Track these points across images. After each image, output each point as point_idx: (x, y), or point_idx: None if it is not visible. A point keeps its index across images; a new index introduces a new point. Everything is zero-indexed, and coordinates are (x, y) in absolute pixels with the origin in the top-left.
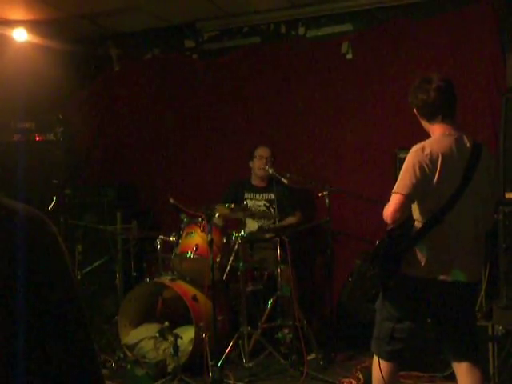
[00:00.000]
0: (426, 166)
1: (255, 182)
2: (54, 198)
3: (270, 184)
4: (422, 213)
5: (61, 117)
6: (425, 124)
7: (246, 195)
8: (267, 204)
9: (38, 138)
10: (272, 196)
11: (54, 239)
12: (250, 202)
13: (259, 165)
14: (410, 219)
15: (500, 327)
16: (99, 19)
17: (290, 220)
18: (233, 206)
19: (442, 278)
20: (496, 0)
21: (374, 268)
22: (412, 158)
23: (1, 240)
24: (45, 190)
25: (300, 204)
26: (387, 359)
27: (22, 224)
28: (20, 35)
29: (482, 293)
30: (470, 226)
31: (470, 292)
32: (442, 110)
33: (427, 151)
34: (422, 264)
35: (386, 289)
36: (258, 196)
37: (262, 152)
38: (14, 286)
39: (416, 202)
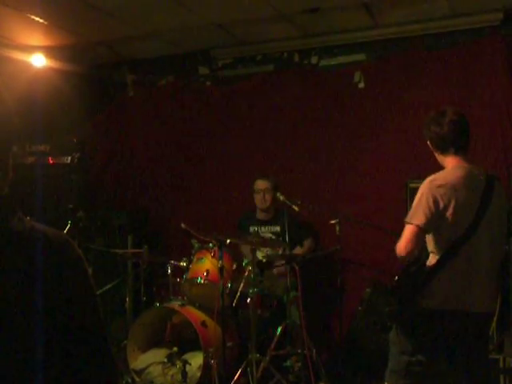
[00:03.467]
0: (439, 197)
1: (260, 215)
2: (69, 222)
3: (276, 216)
4: (437, 245)
5: (75, 140)
6: (438, 156)
7: (251, 229)
8: (273, 237)
9: (51, 161)
10: (278, 229)
11: (80, 262)
12: None
13: (258, 198)
14: (423, 253)
15: None
16: (115, 46)
17: (298, 251)
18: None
19: (457, 309)
20: (507, 33)
21: (391, 305)
22: (425, 189)
23: (32, 261)
24: (58, 213)
25: (310, 234)
26: None
27: (52, 247)
28: (38, 61)
29: (494, 325)
30: (486, 257)
31: (484, 323)
32: (454, 143)
33: (441, 183)
34: (438, 296)
35: (400, 322)
36: (263, 229)
37: (258, 185)
38: (42, 302)
39: (431, 235)
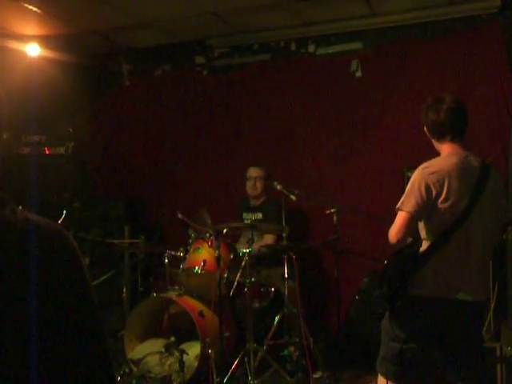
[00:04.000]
0: (431, 185)
1: (252, 201)
2: (64, 212)
3: (263, 203)
4: (429, 232)
5: (71, 130)
6: (434, 142)
7: (244, 215)
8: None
9: (47, 152)
10: (260, 215)
11: (74, 253)
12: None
13: (249, 185)
14: (418, 240)
15: (508, 348)
16: (111, 35)
17: (267, 239)
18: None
19: (448, 297)
20: (505, 21)
21: (382, 288)
22: (418, 176)
23: (25, 252)
24: (54, 203)
25: (275, 231)
26: (394, 379)
27: (45, 238)
28: (33, 50)
29: (491, 314)
30: (477, 245)
31: (476, 311)
32: (451, 130)
33: (434, 170)
34: (429, 284)
35: (392, 309)
36: (251, 215)
37: (250, 173)
38: (35, 296)
39: (423, 222)
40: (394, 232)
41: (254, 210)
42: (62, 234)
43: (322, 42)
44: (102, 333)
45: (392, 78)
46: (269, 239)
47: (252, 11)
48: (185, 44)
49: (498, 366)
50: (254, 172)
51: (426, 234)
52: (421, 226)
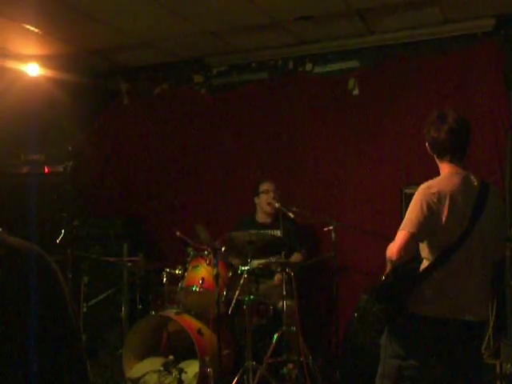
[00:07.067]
0: (433, 205)
1: (261, 218)
2: (63, 231)
3: (276, 220)
4: (430, 251)
5: (70, 149)
6: (435, 158)
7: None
8: None
9: (47, 170)
10: (278, 233)
11: (55, 276)
12: None
13: (266, 199)
14: (417, 257)
15: (508, 365)
16: (109, 54)
17: (296, 257)
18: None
19: (449, 316)
20: (500, 39)
21: (379, 303)
22: (419, 196)
23: (5, 277)
24: (53, 222)
25: (306, 241)
26: None
27: (23, 261)
28: (33, 70)
29: (490, 330)
30: (478, 264)
31: (476, 331)
32: (450, 151)
33: (435, 190)
34: (429, 303)
35: (391, 326)
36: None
37: (267, 186)
38: (17, 318)
39: (425, 242)
40: (395, 250)
41: (267, 227)
42: (41, 258)
43: (319, 61)
44: (80, 351)
45: (389, 96)
46: (297, 257)
47: (250, 30)
48: (183, 63)
49: (498, 383)
50: (270, 186)
51: (428, 253)
52: (422, 245)
